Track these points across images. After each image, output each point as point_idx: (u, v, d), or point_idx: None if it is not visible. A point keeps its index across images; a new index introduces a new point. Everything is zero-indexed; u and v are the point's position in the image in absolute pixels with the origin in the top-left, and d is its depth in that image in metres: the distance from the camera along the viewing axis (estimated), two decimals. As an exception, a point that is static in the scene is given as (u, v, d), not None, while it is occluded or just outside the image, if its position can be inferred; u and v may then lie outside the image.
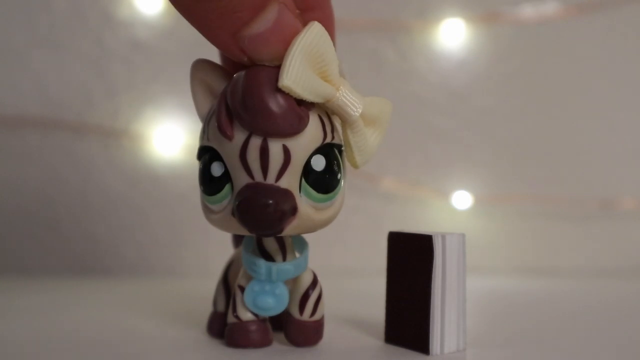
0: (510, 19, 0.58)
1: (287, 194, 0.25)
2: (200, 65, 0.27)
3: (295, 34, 0.24)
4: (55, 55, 0.55)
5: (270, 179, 0.25)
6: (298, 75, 0.24)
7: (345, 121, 0.27)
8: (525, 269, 0.59)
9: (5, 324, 0.35)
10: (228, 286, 0.31)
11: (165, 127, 0.55)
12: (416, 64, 0.59)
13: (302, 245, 0.29)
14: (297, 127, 0.25)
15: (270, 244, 0.28)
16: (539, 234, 0.60)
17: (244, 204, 0.24)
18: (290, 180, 0.25)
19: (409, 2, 0.58)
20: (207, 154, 0.26)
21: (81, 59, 0.55)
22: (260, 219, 0.24)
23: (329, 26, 0.27)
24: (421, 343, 0.28)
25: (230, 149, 0.25)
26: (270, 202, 0.24)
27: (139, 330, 0.33)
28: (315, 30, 0.25)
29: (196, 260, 0.56)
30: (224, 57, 0.30)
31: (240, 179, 0.25)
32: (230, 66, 0.28)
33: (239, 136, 0.25)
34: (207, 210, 0.27)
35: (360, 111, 0.26)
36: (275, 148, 0.25)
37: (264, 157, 0.25)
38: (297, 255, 0.29)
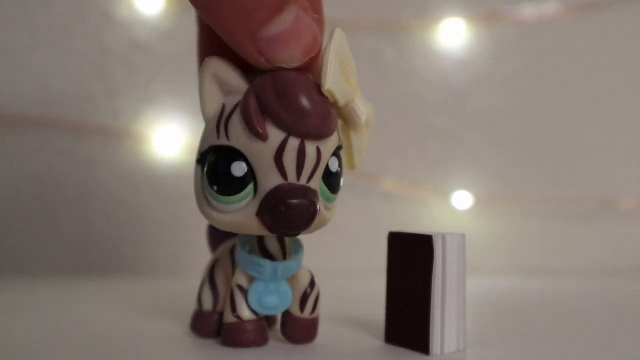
0: (510, 18, 0.58)
1: (316, 194, 0.26)
2: (216, 62, 0.26)
3: (313, 36, 0.25)
4: (55, 55, 0.55)
5: (303, 180, 0.25)
6: (336, 79, 0.25)
7: (353, 125, 0.27)
8: (525, 269, 0.59)
9: (5, 323, 0.35)
10: (215, 285, 0.32)
11: (166, 127, 0.55)
12: (416, 63, 0.59)
13: (296, 242, 0.30)
14: (331, 130, 0.26)
15: (273, 244, 0.28)
16: (539, 233, 0.60)
17: (285, 205, 0.25)
18: (317, 181, 0.26)
19: (409, 2, 0.58)
20: (223, 153, 0.26)
21: (81, 59, 0.55)
22: (299, 219, 0.25)
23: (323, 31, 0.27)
24: (421, 343, 0.28)
25: (262, 150, 0.25)
26: (311, 203, 0.25)
27: (138, 330, 0.33)
28: (341, 36, 0.25)
29: (196, 260, 0.56)
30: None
31: (271, 179, 0.25)
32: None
33: (275, 137, 0.25)
34: (215, 211, 0.27)
35: (366, 116, 0.27)
36: (310, 150, 0.25)
37: (301, 158, 0.25)
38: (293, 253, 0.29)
